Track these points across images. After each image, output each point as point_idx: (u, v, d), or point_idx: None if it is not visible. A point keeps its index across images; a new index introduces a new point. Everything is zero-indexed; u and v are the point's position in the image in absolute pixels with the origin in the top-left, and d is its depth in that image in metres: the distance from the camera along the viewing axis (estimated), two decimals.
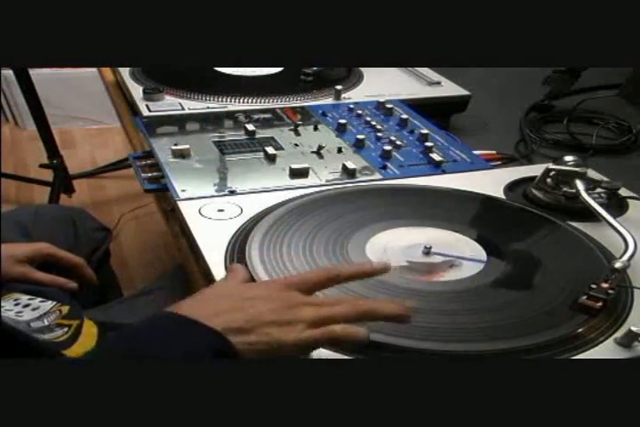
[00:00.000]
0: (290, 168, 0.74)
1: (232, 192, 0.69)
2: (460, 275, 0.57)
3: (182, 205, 0.65)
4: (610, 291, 0.52)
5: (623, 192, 0.72)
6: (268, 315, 0.43)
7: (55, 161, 1.77)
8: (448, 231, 0.64)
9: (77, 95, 2.29)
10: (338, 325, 0.44)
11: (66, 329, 0.61)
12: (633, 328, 0.48)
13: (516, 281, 0.57)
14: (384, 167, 0.77)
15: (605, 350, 0.49)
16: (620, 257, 0.56)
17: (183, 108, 0.90)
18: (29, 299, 0.66)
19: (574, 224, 0.66)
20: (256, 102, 0.94)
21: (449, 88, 1.04)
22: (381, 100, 0.96)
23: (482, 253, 0.61)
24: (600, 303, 0.52)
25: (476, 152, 0.84)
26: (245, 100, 0.93)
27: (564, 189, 0.69)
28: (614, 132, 1.02)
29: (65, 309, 0.65)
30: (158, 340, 0.41)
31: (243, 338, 0.42)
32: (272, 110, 0.92)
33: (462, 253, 0.61)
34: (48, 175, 1.79)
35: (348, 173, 0.75)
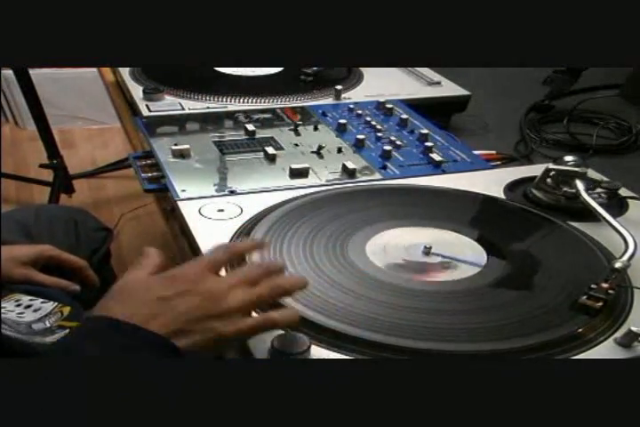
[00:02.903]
0: (290, 168, 0.74)
1: (232, 192, 0.69)
2: (459, 275, 0.57)
3: (182, 205, 0.65)
4: (610, 291, 0.52)
5: (623, 192, 0.72)
6: (200, 310, 0.43)
7: (55, 161, 1.77)
8: (448, 231, 0.64)
9: (77, 95, 2.29)
10: (274, 312, 0.46)
11: (67, 331, 0.61)
12: (633, 328, 0.48)
13: (515, 281, 0.57)
14: (384, 167, 0.77)
15: (605, 350, 0.49)
16: (620, 257, 0.56)
17: (183, 108, 0.90)
18: (31, 300, 0.66)
19: (574, 224, 0.66)
20: (256, 102, 0.94)
21: (449, 88, 1.04)
22: (381, 100, 0.96)
23: (482, 254, 0.61)
24: (600, 303, 0.52)
25: (476, 152, 0.84)
26: (245, 100, 0.93)
27: (564, 189, 0.69)
28: (614, 132, 1.02)
29: (66, 310, 0.65)
30: (101, 350, 0.40)
31: (187, 339, 0.42)
32: (272, 110, 0.92)
33: (462, 254, 0.61)
34: (48, 175, 1.79)
35: (348, 173, 0.75)
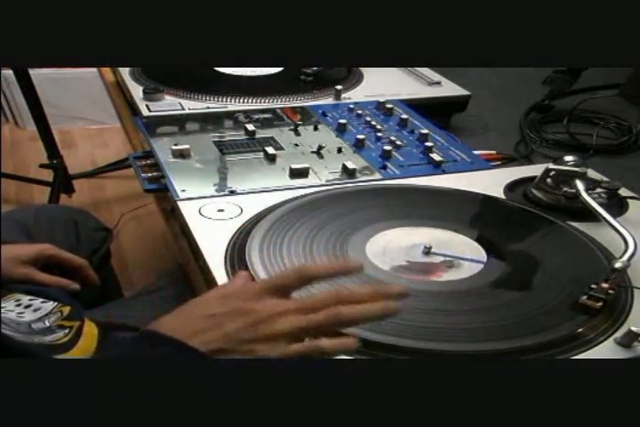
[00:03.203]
0: (290, 168, 0.74)
1: (232, 192, 0.69)
2: (460, 275, 0.58)
3: (182, 205, 0.65)
4: (610, 291, 0.52)
5: (623, 192, 0.72)
6: (244, 331, 0.42)
7: (55, 161, 1.77)
8: (448, 231, 0.64)
9: (77, 95, 2.28)
10: (325, 340, 0.43)
11: (67, 331, 0.61)
12: (633, 328, 0.48)
13: (515, 281, 0.57)
14: (384, 167, 0.77)
15: (605, 350, 0.49)
16: (620, 257, 0.56)
17: (183, 108, 0.90)
18: (30, 299, 0.66)
19: (574, 224, 0.66)
20: (256, 102, 0.94)
21: (449, 88, 1.04)
22: (381, 100, 0.96)
23: (482, 254, 0.61)
24: (600, 303, 0.52)
25: (476, 152, 0.84)
26: (245, 100, 0.93)
27: (564, 189, 0.69)
28: (614, 132, 1.02)
29: (66, 309, 0.65)
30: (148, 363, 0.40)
31: (226, 358, 0.42)
32: (272, 110, 0.92)
33: (462, 254, 0.61)
34: (48, 175, 1.79)
35: (348, 173, 0.75)
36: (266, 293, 0.45)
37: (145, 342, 0.43)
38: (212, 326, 0.42)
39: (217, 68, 1.06)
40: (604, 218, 0.62)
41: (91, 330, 0.63)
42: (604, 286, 0.53)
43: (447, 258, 0.60)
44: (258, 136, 0.83)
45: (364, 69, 1.10)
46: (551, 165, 0.70)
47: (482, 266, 0.59)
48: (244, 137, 0.83)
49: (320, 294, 0.45)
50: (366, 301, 0.44)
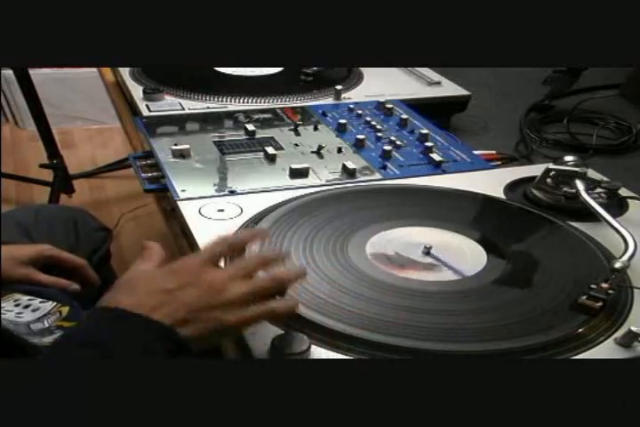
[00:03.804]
0: (290, 168, 0.74)
1: (232, 192, 0.69)
2: (433, 278, 0.57)
3: (182, 205, 0.65)
4: (610, 291, 0.52)
5: (623, 192, 0.72)
6: (202, 301, 0.45)
7: (55, 161, 1.77)
8: (448, 231, 0.64)
9: (77, 95, 2.29)
10: (274, 301, 0.47)
11: None
12: (633, 328, 0.48)
13: (515, 281, 0.57)
14: (384, 167, 0.77)
15: (605, 350, 0.49)
16: (620, 257, 0.56)
17: (183, 108, 0.90)
18: (29, 300, 0.66)
19: (574, 224, 0.66)
20: (256, 102, 0.94)
21: (449, 88, 1.04)
22: (381, 100, 0.96)
23: (482, 255, 0.61)
24: (600, 303, 0.52)
25: (475, 152, 0.84)
26: (245, 100, 0.93)
27: (564, 189, 0.69)
28: (614, 132, 1.02)
29: (65, 310, 0.65)
30: (113, 339, 0.42)
31: (191, 329, 0.44)
32: (272, 110, 0.92)
33: (461, 256, 0.61)
34: (48, 175, 1.79)
35: (348, 173, 0.75)
36: (205, 264, 0.48)
37: (107, 320, 0.44)
38: (169, 299, 0.45)
39: (217, 68, 1.06)
40: (604, 218, 0.62)
41: None
42: (604, 286, 0.53)
43: (436, 263, 0.59)
44: (258, 136, 0.83)
45: (364, 69, 1.10)
46: (551, 165, 0.70)
47: (465, 276, 0.58)
48: (243, 137, 0.83)
49: (250, 259, 0.51)
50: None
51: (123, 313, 0.43)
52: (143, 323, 0.43)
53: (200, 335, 0.44)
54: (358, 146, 0.82)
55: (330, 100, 0.98)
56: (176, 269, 0.48)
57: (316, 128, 0.87)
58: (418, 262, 0.59)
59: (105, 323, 0.43)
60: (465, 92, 1.02)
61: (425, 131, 0.85)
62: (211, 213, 0.64)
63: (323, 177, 0.74)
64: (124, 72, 1.00)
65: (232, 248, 0.51)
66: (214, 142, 0.81)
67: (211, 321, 0.44)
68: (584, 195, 0.66)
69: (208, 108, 0.91)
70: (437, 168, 0.78)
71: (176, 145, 0.77)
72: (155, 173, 0.75)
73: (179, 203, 0.66)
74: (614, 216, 0.63)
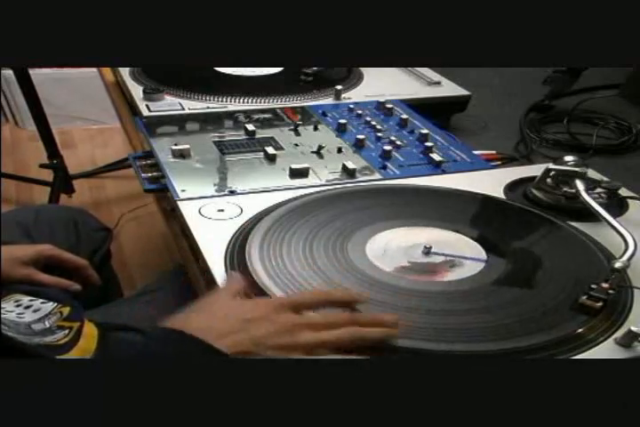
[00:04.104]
0: (290, 168, 0.74)
1: (232, 192, 0.69)
2: (462, 274, 0.57)
3: (182, 205, 0.65)
4: (610, 291, 0.52)
5: (623, 192, 0.72)
6: (270, 338, 0.45)
7: (55, 161, 1.77)
8: (448, 231, 0.64)
9: (77, 95, 2.28)
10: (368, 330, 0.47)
11: (67, 331, 0.61)
12: (633, 328, 0.48)
13: (516, 281, 0.57)
14: (384, 167, 0.77)
15: (605, 350, 0.49)
16: (620, 257, 0.56)
17: (183, 108, 0.90)
18: (30, 300, 0.66)
19: (574, 224, 0.66)
20: (256, 102, 0.94)
21: (449, 88, 1.04)
22: (381, 100, 0.96)
23: (482, 254, 0.61)
24: (600, 303, 0.52)
25: (475, 152, 0.84)
26: (245, 100, 0.93)
27: (564, 189, 0.69)
28: (614, 132, 1.02)
29: (66, 310, 0.65)
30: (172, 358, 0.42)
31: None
32: (272, 110, 0.92)
33: (462, 253, 0.61)
34: (48, 175, 1.79)
35: (348, 173, 0.75)
36: (287, 307, 0.48)
37: (168, 340, 0.44)
38: (241, 329, 0.45)
39: (217, 68, 1.06)
40: (604, 218, 0.62)
41: (90, 331, 0.63)
42: (604, 285, 0.53)
43: (448, 258, 0.60)
44: (258, 136, 0.83)
45: (364, 69, 1.10)
46: (551, 165, 0.70)
47: (483, 264, 0.59)
48: (243, 137, 0.83)
49: (335, 314, 0.49)
50: (375, 324, 0.48)
51: (186, 336, 0.44)
52: (203, 349, 0.43)
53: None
54: (358, 146, 0.82)
55: (330, 100, 0.98)
56: (257, 302, 0.49)
57: (315, 128, 0.87)
58: (421, 263, 0.59)
59: (165, 340, 0.44)
60: (465, 92, 1.02)
61: (425, 131, 0.85)
62: (211, 213, 0.64)
63: (323, 177, 0.74)
64: (124, 72, 1.00)
65: (321, 304, 0.50)
66: (214, 142, 0.81)
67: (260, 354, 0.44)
68: (584, 195, 0.66)
69: (208, 108, 0.91)
70: (437, 168, 0.78)
71: (176, 145, 0.77)
72: (155, 173, 0.75)
73: (179, 203, 0.66)
74: (614, 216, 0.63)
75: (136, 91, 0.93)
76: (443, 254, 0.60)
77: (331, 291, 0.52)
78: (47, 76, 2.13)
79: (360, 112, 0.92)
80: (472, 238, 0.63)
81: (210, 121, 0.87)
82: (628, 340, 0.48)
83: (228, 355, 0.43)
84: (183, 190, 0.68)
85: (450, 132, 0.91)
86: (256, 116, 0.89)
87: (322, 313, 0.49)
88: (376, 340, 0.47)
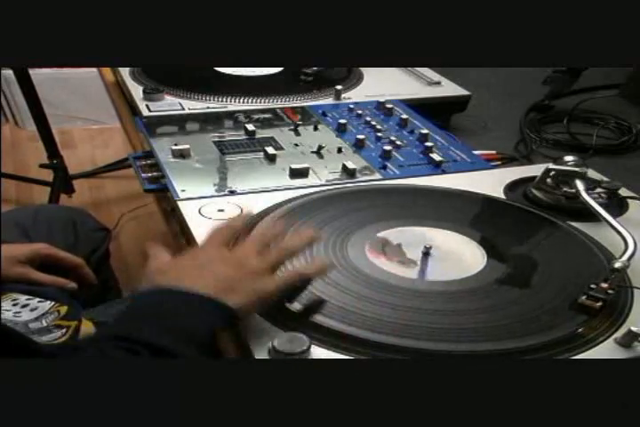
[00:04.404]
0: (290, 168, 0.74)
1: (232, 192, 0.69)
2: (432, 278, 0.57)
3: (182, 205, 0.65)
4: (609, 291, 0.52)
5: (623, 192, 0.72)
6: (235, 273, 0.48)
7: (55, 161, 1.77)
8: (448, 231, 0.64)
9: (77, 95, 2.28)
10: (302, 265, 0.54)
11: (64, 330, 0.61)
12: (633, 328, 0.48)
13: (515, 281, 0.57)
14: (384, 167, 0.77)
15: (605, 350, 0.49)
16: (620, 257, 0.56)
17: (183, 108, 0.90)
18: (28, 299, 0.66)
19: (574, 224, 0.66)
20: (256, 102, 0.94)
21: (449, 88, 1.04)
22: (381, 100, 0.96)
23: (482, 255, 0.61)
24: (600, 303, 0.52)
25: (475, 152, 0.84)
26: (245, 100, 0.93)
27: (564, 189, 0.69)
28: (614, 132, 1.02)
29: (63, 309, 0.65)
30: (181, 314, 0.45)
31: (235, 298, 0.47)
32: (272, 110, 0.92)
33: (462, 256, 0.61)
34: (48, 175, 1.79)
35: (348, 173, 0.75)
36: (221, 247, 0.52)
37: (169, 301, 0.46)
38: (205, 273, 0.48)
39: (217, 68, 1.06)
40: (604, 218, 0.62)
41: (88, 330, 0.63)
42: (604, 285, 0.53)
43: (411, 259, 0.60)
44: (258, 136, 0.83)
45: (364, 69, 1.10)
46: (551, 165, 0.70)
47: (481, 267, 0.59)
48: (243, 137, 0.83)
49: (258, 237, 0.54)
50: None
51: (167, 290, 0.46)
52: (191, 295, 0.45)
53: (245, 305, 0.47)
54: (358, 146, 0.82)
55: (330, 100, 0.98)
56: (196, 252, 0.51)
57: (315, 128, 0.87)
58: (396, 248, 0.59)
59: (160, 300, 0.46)
60: (465, 92, 1.02)
61: (425, 131, 0.85)
62: (211, 213, 0.64)
63: (323, 177, 0.74)
64: (124, 72, 1.00)
65: (235, 234, 0.54)
66: (214, 142, 0.81)
67: (250, 291, 0.47)
68: (584, 195, 0.66)
69: (208, 108, 0.91)
70: (437, 168, 0.78)
71: (176, 145, 0.77)
72: (155, 173, 0.75)
73: (179, 203, 0.66)
74: (614, 216, 0.63)
75: (136, 91, 0.93)
76: (428, 260, 0.60)
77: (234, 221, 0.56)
78: (47, 76, 2.13)
79: (360, 112, 0.92)
80: (472, 239, 0.63)
81: (210, 121, 0.87)
82: (628, 340, 0.48)
83: (230, 307, 0.45)
84: (183, 190, 0.68)
85: (450, 132, 0.91)
86: (256, 116, 0.89)
87: (251, 237, 0.54)
88: (302, 249, 0.53)
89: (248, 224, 0.63)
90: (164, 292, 0.46)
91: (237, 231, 0.54)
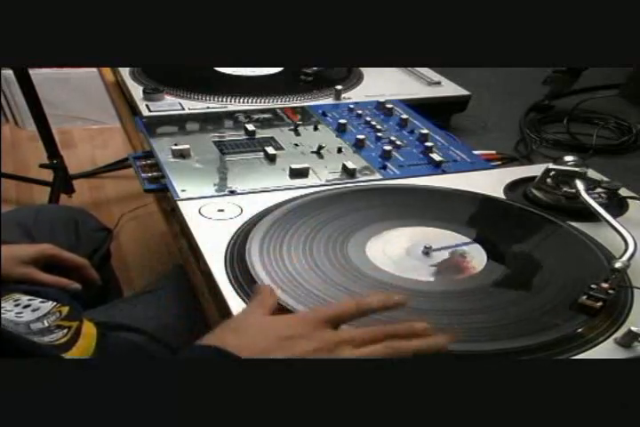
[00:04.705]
0: (290, 168, 0.74)
1: (232, 192, 0.69)
2: (432, 277, 0.57)
3: (182, 205, 0.65)
4: (610, 291, 0.52)
5: (623, 192, 0.72)
6: (309, 356, 0.44)
7: (55, 161, 1.77)
8: (448, 231, 0.64)
9: (77, 95, 2.28)
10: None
11: (65, 331, 0.61)
12: (633, 328, 0.48)
13: (515, 281, 0.57)
14: (384, 167, 0.77)
15: (605, 350, 0.49)
16: (620, 257, 0.56)
17: (183, 108, 0.90)
18: (29, 299, 0.66)
19: (574, 224, 0.66)
20: (256, 102, 0.94)
21: (449, 88, 1.04)
22: (381, 100, 0.96)
23: (482, 255, 0.61)
24: (600, 303, 0.52)
25: (475, 152, 0.84)
26: (245, 100, 0.93)
27: (564, 189, 0.69)
28: (614, 132, 1.02)
29: (65, 309, 0.65)
30: None
31: None
32: (272, 110, 0.92)
33: (455, 242, 0.61)
34: (48, 175, 1.79)
35: (348, 173, 0.75)
36: (325, 321, 0.47)
37: (207, 358, 0.43)
38: (281, 347, 0.44)
39: (217, 68, 1.06)
40: (604, 218, 0.62)
41: (89, 330, 0.63)
42: (604, 285, 0.53)
43: (450, 249, 0.60)
44: (258, 136, 0.83)
45: (364, 69, 1.10)
46: (551, 165, 0.70)
47: (478, 245, 0.59)
48: (244, 137, 0.83)
49: (372, 329, 0.47)
50: (413, 335, 0.46)
51: (224, 353, 0.43)
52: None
53: None
54: (358, 146, 0.82)
55: (330, 100, 0.98)
56: (293, 319, 0.48)
57: (316, 128, 0.87)
58: (443, 263, 0.59)
59: (202, 358, 0.43)
60: (465, 92, 1.02)
61: (425, 131, 0.85)
62: (211, 213, 0.64)
63: (323, 177, 0.74)
64: (124, 72, 1.00)
65: (359, 313, 0.48)
66: (214, 142, 0.81)
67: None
68: (584, 195, 0.66)
69: (208, 108, 0.91)
70: (437, 168, 0.78)
71: (176, 145, 0.77)
72: (155, 173, 0.75)
73: (179, 203, 0.66)
74: (614, 216, 0.63)
75: (136, 91, 0.93)
76: (443, 248, 0.60)
77: (364, 300, 0.49)
78: (47, 76, 2.13)
79: (360, 112, 0.92)
80: (472, 239, 0.63)
81: (210, 121, 0.87)
82: (628, 340, 0.48)
83: None
84: (183, 190, 0.68)
85: (450, 132, 0.91)
86: (256, 116, 0.89)
87: (358, 328, 0.48)
88: (412, 352, 0.45)
89: (249, 224, 0.63)
90: (219, 355, 0.43)
91: (364, 314, 0.49)
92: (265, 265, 0.56)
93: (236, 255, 0.57)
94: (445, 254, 0.60)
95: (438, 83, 1.05)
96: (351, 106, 0.94)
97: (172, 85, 0.95)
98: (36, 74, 1.69)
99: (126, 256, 1.67)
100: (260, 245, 0.59)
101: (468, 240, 0.62)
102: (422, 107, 0.95)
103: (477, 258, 0.59)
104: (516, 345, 0.48)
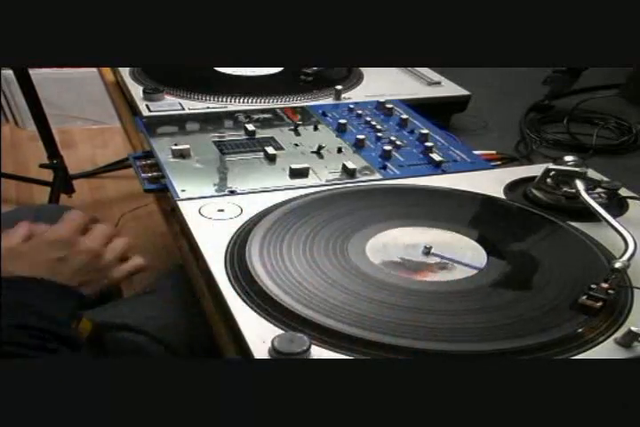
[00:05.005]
0: (290, 168, 0.74)
1: (232, 192, 0.69)
2: (449, 277, 0.57)
3: (182, 205, 0.65)
4: (610, 291, 0.52)
5: (623, 192, 0.72)
6: (91, 265, 0.58)
7: (55, 161, 1.77)
8: (448, 231, 0.64)
9: (77, 95, 2.29)
10: (137, 258, 0.65)
11: None
12: (633, 328, 0.48)
13: (515, 281, 0.57)
14: (384, 167, 0.77)
15: (605, 350, 0.49)
16: (620, 257, 0.56)
17: (183, 108, 0.90)
18: None
19: (574, 224, 0.66)
20: (256, 102, 0.94)
21: (449, 88, 1.04)
22: (381, 100, 0.96)
23: (482, 254, 0.61)
24: (600, 303, 0.52)
25: (475, 152, 0.83)
26: (245, 100, 0.93)
27: (564, 189, 0.69)
28: (614, 132, 1.02)
29: None
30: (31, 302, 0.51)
31: (89, 289, 0.58)
32: (272, 110, 0.92)
33: (462, 255, 0.61)
34: (48, 175, 1.79)
35: (348, 173, 0.75)
36: (77, 233, 0.60)
37: (27, 287, 0.52)
38: (63, 266, 0.56)
39: (217, 68, 1.06)
40: (604, 218, 0.62)
41: (87, 329, 0.63)
42: (604, 285, 0.53)
43: (443, 260, 0.60)
44: (258, 136, 0.83)
45: (364, 69, 1.10)
46: (551, 165, 0.70)
47: (475, 271, 0.58)
48: (243, 137, 0.83)
49: (104, 229, 0.63)
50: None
51: (33, 280, 0.53)
52: (51, 286, 0.53)
53: (95, 292, 0.58)
54: (358, 146, 0.82)
55: (330, 100, 0.98)
56: (54, 240, 0.57)
57: (315, 128, 0.87)
58: (411, 261, 0.59)
59: (20, 290, 0.52)
60: (465, 92, 1.02)
61: (425, 131, 0.85)
62: (211, 213, 0.64)
63: (323, 177, 0.74)
64: (124, 72, 1.00)
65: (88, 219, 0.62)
66: (214, 142, 0.81)
67: (102, 280, 0.59)
68: (584, 195, 0.66)
69: (208, 108, 0.91)
70: (437, 168, 0.78)
71: (176, 145, 0.77)
72: (155, 173, 0.75)
73: (179, 203, 0.66)
74: (614, 216, 0.63)
75: (136, 91, 0.93)
76: (441, 256, 0.60)
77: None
78: (47, 76, 2.13)
79: (360, 112, 0.92)
80: (472, 239, 0.63)
81: (210, 121, 0.87)
82: (628, 340, 0.48)
83: (74, 288, 0.55)
84: (183, 190, 0.68)
85: (450, 132, 0.91)
86: (256, 116, 0.89)
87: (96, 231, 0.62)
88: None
89: (249, 224, 0.63)
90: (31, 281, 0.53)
91: (90, 219, 0.63)
92: (265, 265, 0.56)
93: (236, 255, 0.57)
94: (436, 259, 0.60)
95: (438, 83, 1.05)
96: (351, 106, 0.94)
97: (172, 85, 0.95)
98: (36, 74, 1.69)
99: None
100: (260, 245, 0.59)
101: (471, 262, 0.59)
102: (422, 107, 0.95)
103: (455, 274, 0.58)
104: (516, 345, 0.48)
